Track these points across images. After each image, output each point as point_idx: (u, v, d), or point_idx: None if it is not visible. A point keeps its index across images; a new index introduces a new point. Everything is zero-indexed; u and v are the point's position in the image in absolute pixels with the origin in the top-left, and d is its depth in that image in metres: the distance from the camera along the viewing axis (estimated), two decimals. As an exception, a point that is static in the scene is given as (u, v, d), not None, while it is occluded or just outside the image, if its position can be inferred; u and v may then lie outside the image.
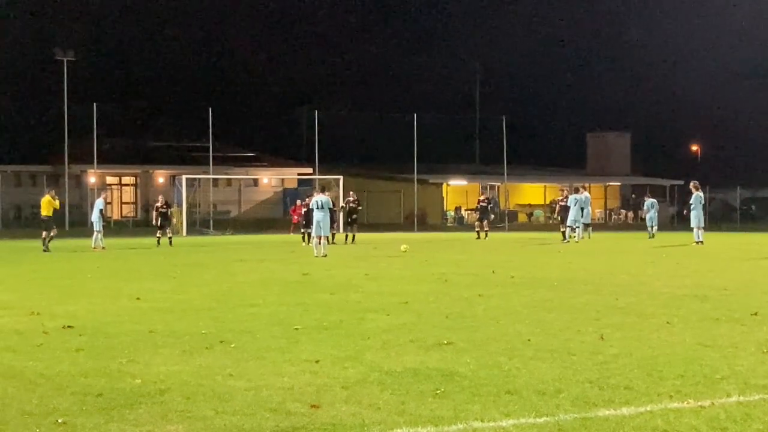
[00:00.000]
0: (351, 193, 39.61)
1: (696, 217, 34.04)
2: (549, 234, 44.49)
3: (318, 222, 27.85)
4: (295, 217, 43.16)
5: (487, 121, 74.76)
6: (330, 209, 28.69)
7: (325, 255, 26.91)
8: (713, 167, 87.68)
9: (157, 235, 35.96)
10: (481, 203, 43.70)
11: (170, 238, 35.96)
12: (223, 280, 19.67)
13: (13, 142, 69.87)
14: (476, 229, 42.76)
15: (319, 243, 27.72)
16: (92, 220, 35.00)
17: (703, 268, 22.15)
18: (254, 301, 15.11)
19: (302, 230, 35.01)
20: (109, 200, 70.43)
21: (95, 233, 33.78)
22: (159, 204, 36.77)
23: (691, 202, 34.88)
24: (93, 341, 11.00)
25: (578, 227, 37.47)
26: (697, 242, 33.55)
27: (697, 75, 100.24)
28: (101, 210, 34.57)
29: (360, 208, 38.84)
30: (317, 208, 28.10)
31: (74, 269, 23.34)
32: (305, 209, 34.03)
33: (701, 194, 35.10)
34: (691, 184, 35.58)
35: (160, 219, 36.09)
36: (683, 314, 13.15)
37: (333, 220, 30.88)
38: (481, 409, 7.53)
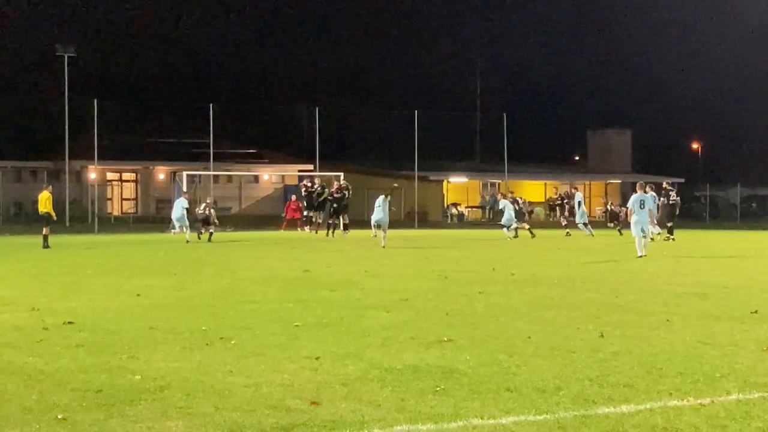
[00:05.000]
0: (341, 180, 40.54)
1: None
2: (549, 231, 44.48)
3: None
4: (289, 213, 44.04)
5: (488, 118, 74.70)
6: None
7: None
8: (714, 165, 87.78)
9: (202, 230, 37.37)
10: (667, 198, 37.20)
11: (211, 233, 37.54)
12: (224, 276, 19.66)
13: (13, 138, 69.86)
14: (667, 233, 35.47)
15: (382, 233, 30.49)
16: (174, 217, 38.15)
17: (704, 266, 22.15)
18: (254, 298, 15.11)
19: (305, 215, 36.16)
20: (109, 196, 70.80)
21: (179, 227, 37.44)
22: (207, 203, 39.29)
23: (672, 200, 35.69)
24: (93, 337, 11.01)
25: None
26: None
27: (698, 73, 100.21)
28: (186, 209, 37.09)
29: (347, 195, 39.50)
30: (378, 206, 30.61)
31: (75, 265, 23.32)
32: (306, 193, 35.58)
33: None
34: (666, 184, 36.85)
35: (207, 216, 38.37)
36: (683, 312, 13.16)
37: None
38: (480, 407, 7.53)
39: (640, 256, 24.57)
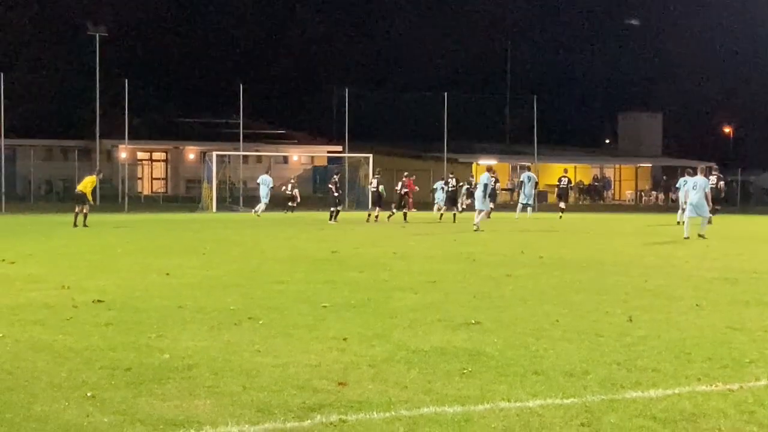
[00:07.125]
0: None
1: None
2: (578, 214, 44.31)
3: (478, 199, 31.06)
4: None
5: (518, 100, 74.39)
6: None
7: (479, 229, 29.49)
8: (745, 149, 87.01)
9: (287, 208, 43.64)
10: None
11: (293, 208, 43.63)
12: (252, 256, 19.74)
13: (45, 117, 70.26)
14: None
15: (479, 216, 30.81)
16: (262, 194, 42.40)
17: (733, 252, 21.99)
18: (282, 278, 15.16)
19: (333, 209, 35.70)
20: (139, 176, 71.22)
21: (262, 204, 41.70)
22: (292, 182, 45.45)
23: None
24: (122, 316, 11.08)
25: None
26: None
27: (731, 55, 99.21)
28: (271, 187, 42.59)
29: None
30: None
31: (104, 244, 23.48)
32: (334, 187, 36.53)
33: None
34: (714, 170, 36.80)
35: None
36: (712, 297, 13.08)
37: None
38: (507, 389, 7.52)
39: (686, 238, 25.32)
